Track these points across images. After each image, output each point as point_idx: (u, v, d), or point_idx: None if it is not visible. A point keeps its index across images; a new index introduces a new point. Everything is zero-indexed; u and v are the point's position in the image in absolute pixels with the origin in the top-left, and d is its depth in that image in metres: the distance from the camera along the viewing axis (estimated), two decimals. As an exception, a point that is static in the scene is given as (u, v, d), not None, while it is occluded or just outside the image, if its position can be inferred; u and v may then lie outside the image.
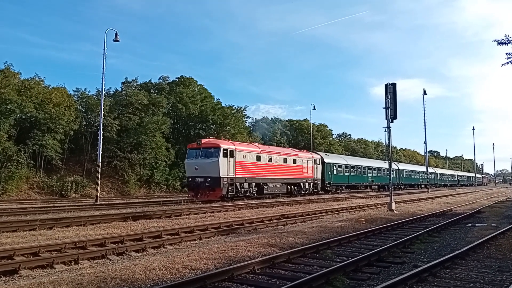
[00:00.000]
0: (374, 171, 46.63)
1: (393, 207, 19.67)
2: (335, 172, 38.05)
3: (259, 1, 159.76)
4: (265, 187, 27.56)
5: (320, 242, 9.82)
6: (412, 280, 6.46)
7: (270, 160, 28.57)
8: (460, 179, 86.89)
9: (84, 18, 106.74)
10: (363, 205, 23.76)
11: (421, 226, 13.81)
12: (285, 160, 30.27)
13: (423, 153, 79.30)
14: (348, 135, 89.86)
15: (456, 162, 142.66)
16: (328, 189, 36.54)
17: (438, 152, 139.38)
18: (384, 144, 77.13)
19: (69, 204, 20.54)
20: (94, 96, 41.24)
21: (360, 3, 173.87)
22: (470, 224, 14.80)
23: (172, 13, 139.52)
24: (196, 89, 51.33)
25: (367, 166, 45.45)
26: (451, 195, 38.72)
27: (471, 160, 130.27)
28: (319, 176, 34.84)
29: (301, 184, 32.03)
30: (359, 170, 43.20)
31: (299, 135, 64.47)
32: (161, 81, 50.20)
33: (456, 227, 14.14)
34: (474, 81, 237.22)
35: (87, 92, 41.97)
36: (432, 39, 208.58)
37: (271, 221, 15.19)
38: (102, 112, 27.94)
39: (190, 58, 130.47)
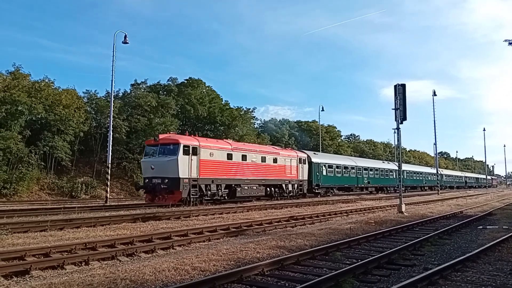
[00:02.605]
0: (371, 172, 43.44)
1: (403, 209, 19.55)
2: (324, 173, 34.90)
3: (267, 4, 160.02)
4: (238, 189, 24.53)
5: (329, 244, 9.78)
6: (423, 283, 6.40)
7: (244, 158, 25.44)
8: (467, 181, 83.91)
9: (94, 22, 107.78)
10: (372, 207, 23.62)
11: (432, 228, 13.70)
12: (263, 159, 27.20)
13: (433, 155, 78.59)
14: (357, 136, 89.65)
15: (467, 164, 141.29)
16: (317, 191, 33.55)
17: (448, 154, 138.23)
18: (393, 145, 76.66)
19: (79, 205, 20.66)
20: (104, 98, 41.59)
21: (369, 5, 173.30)
22: (481, 227, 14.64)
23: (181, 16, 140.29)
24: (204, 90, 51.54)
25: (362, 166, 41.94)
26: (461, 197, 38.37)
27: (482, 161, 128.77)
28: (305, 177, 31.68)
29: (283, 185, 28.90)
30: (353, 170, 39.84)
31: (308, 136, 64.36)
32: (170, 83, 50.57)
33: (467, 229, 14.00)
34: (484, 82, 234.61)
35: (96, 94, 42.44)
36: (442, 40, 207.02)
37: (280, 223, 15.16)
38: (112, 113, 28.11)
39: (198, 61, 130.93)
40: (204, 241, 11.05)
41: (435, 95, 46.14)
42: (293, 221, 15.74)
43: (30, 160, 32.41)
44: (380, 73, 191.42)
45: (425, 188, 57.98)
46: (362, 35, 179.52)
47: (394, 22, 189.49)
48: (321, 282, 6.25)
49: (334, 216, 18.55)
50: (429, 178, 60.16)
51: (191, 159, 21.43)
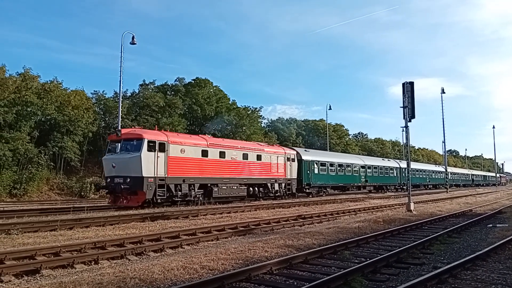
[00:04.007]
0: (369, 170, 40.90)
1: (412, 208, 19.43)
2: (316, 171, 32.57)
3: (272, 3, 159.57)
4: (215, 189, 22.53)
5: (338, 243, 9.76)
6: (432, 281, 6.36)
7: (222, 155, 23.44)
8: (474, 179, 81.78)
9: (102, 22, 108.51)
10: (380, 205, 23.52)
11: (441, 227, 13.60)
12: (245, 156, 25.13)
13: (441, 153, 77.90)
14: (365, 134, 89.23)
15: (476, 162, 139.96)
16: (307, 191, 31.50)
17: (457, 152, 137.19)
18: (401, 143, 76.16)
19: (88, 205, 20.77)
20: (112, 99, 41.91)
21: (375, 3, 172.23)
22: (491, 225, 14.50)
23: (187, 16, 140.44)
24: (211, 90, 51.69)
25: (358, 164, 39.45)
26: (471, 195, 38.03)
27: (491, 159, 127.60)
28: (294, 176, 29.65)
29: (268, 185, 26.88)
30: (349, 168, 37.47)
31: (315, 135, 64.19)
32: (177, 83, 50.85)
33: (476, 227, 13.87)
34: (493, 79, 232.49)
35: (105, 95, 42.78)
36: (449, 37, 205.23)
37: (288, 222, 15.15)
38: (120, 114, 28.28)
39: (205, 60, 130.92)
40: (212, 240, 11.07)
41: (444, 92, 46.00)
42: (301, 220, 15.73)
43: (39, 161, 32.81)
44: (387, 71, 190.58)
45: (429, 186, 55.91)
46: (368, 33, 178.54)
47: (401, 19, 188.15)
48: (330, 281, 6.23)
49: (342, 215, 18.51)
50: (433, 176, 58.06)
51: (158, 156, 19.59)
